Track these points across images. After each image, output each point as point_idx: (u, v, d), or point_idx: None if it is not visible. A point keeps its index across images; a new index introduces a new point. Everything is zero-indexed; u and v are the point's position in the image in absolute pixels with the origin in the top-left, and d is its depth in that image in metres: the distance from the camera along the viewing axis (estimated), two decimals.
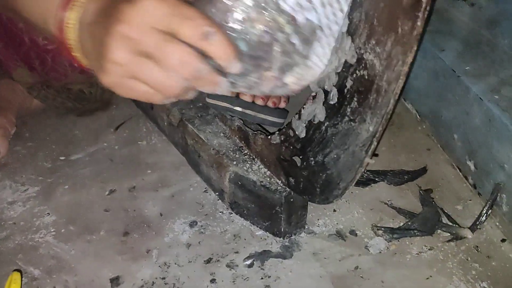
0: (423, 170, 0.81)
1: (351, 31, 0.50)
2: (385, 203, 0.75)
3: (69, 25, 0.47)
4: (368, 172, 0.79)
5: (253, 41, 0.45)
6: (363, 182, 0.78)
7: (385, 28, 0.46)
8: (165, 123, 0.82)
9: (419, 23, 0.43)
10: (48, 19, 0.49)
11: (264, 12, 0.44)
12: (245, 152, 0.70)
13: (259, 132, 0.68)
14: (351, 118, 0.53)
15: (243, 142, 0.71)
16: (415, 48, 0.45)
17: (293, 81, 0.48)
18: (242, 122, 0.73)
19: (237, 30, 0.44)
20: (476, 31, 0.85)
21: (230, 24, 0.44)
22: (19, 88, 0.87)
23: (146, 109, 0.90)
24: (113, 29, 0.41)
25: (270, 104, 0.79)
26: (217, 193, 0.74)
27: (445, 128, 0.82)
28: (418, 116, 0.92)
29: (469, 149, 0.76)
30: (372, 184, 0.78)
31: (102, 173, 0.81)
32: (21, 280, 0.63)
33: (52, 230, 0.71)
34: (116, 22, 0.41)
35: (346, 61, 0.51)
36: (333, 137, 0.56)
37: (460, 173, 0.79)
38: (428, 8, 0.42)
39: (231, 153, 0.70)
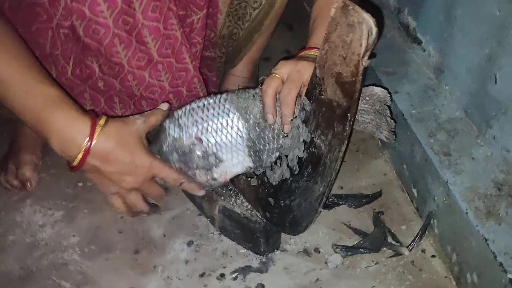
0: (379, 194, 1.01)
1: (304, 120, 0.71)
2: (345, 224, 0.96)
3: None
4: (333, 197, 1.00)
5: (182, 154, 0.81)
6: (329, 206, 0.99)
7: (326, 125, 0.67)
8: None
9: (347, 128, 0.64)
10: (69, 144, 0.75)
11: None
12: (231, 188, 0.91)
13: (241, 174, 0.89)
14: (308, 179, 0.75)
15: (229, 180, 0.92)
16: (346, 142, 0.66)
17: (219, 175, 0.83)
18: None
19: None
20: (426, 75, 1.05)
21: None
22: None
23: None
24: (122, 178, 0.79)
25: None
26: (208, 219, 0.95)
27: (398, 158, 1.03)
28: (379, 144, 1.12)
29: (413, 179, 0.97)
30: (336, 207, 0.99)
31: None
32: None
33: (77, 250, 0.93)
34: (124, 175, 0.79)
35: (304, 140, 0.72)
36: (296, 189, 0.78)
37: (408, 197, 1.00)
38: (352, 119, 0.63)
39: (219, 189, 0.90)
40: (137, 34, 0.81)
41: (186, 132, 0.80)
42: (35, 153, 1.05)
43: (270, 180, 0.82)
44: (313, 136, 0.70)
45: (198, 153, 0.80)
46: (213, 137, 0.78)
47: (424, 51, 1.09)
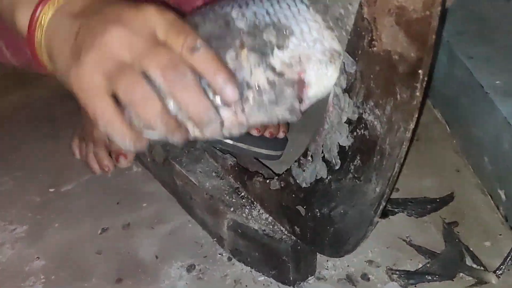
0: (450, 198, 0.83)
1: (347, 88, 0.52)
2: (404, 240, 0.78)
3: (43, 21, 0.49)
4: (386, 205, 0.81)
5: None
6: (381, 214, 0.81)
7: (382, 92, 0.48)
8: (148, 160, 0.86)
9: (417, 93, 0.45)
10: (17, 13, 0.51)
11: None
12: (242, 194, 0.74)
13: (256, 173, 0.71)
14: (355, 176, 0.56)
15: (239, 183, 0.75)
16: (416, 115, 0.47)
17: (287, 63, 0.51)
18: (235, 160, 0.76)
19: None
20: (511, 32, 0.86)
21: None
22: None
23: None
24: (108, 28, 0.44)
25: (267, 134, 0.81)
26: (215, 239, 0.77)
27: (476, 147, 0.85)
28: (448, 128, 0.94)
29: (499, 176, 0.78)
30: (390, 216, 0.81)
31: (95, 207, 0.86)
32: None
33: (41, 277, 0.76)
34: (114, 21, 0.45)
35: (348, 119, 0.54)
36: (338, 192, 0.59)
37: (492, 201, 0.81)
38: (425, 78, 0.44)
39: (227, 197, 0.74)
40: None
41: (212, 13, 0.53)
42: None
43: (298, 181, 0.64)
44: (361, 111, 0.52)
45: (240, 24, 0.52)
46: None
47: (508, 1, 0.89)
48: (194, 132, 0.49)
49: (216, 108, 0.48)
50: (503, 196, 0.77)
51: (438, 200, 0.82)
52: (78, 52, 0.45)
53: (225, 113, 0.49)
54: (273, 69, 0.50)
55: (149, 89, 0.45)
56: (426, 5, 0.42)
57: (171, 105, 0.46)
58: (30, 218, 0.86)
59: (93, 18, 0.46)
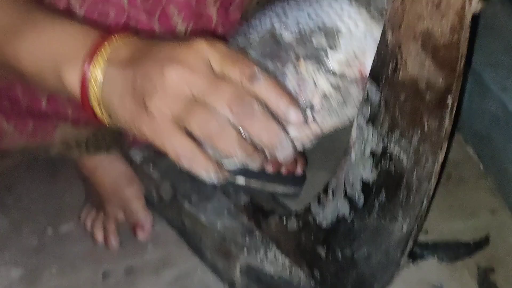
0: (485, 241, 0.84)
1: (371, 118, 0.54)
2: (435, 287, 0.78)
3: (95, 76, 0.52)
4: (415, 246, 0.82)
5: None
6: (409, 257, 0.81)
7: (408, 122, 0.50)
8: (155, 198, 0.87)
9: (447, 123, 0.47)
10: (62, 71, 0.53)
11: None
12: (257, 235, 0.75)
13: (272, 212, 0.73)
14: (380, 213, 0.58)
15: (253, 222, 0.76)
16: (445, 147, 0.49)
17: (345, 64, 0.55)
18: (249, 197, 0.77)
19: None
20: None
21: None
22: None
23: None
24: (165, 70, 0.48)
25: (283, 171, 0.83)
26: (226, 285, 0.78)
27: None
28: (481, 167, 0.95)
29: None
30: (419, 261, 0.81)
31: (95, 249, 0.88)
32: None
33: None
34: (168, 61, 0.48)
35: (371, 152, 0.55)
36: (362, 232, 0.61)
37: None
38: (455, 106, 0.46)
39: (240, 238, 0.75)
40: (161, 14, 0.72)
41: (253, 30, 0.58)
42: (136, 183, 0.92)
43: (318, 220, 0.66)
44: (386, 142, 0.54)
45: (288, 37, 0.56)
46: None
47: None
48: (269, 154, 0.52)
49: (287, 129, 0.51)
50: None
51: (471, 244, 0.83)
52: (141, 100, 0.49)
53: (298, 131, 0.53)
54: (333, 72, 0.54)
55: (222, 120, 0.48)
56: (453, 29, 0.44)
57: (243, 132, 0.50)
58: (25, 261, 0.87)
59: (146, 64, 0.49)
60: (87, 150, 0.86)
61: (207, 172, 0.50)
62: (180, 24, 0.73)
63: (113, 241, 0.89)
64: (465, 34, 0.43)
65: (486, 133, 0.92)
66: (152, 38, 0.54)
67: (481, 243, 0.83)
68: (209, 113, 0.48)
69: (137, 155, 0.90)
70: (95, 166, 0.91)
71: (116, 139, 0.88)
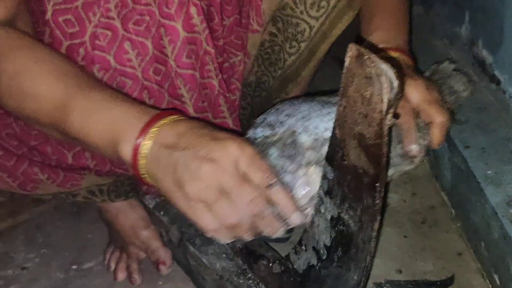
0: (450, 281, 0.96)
1: (328, 191, 0.69)
2: None
3: (144, 152, 0.68)
4: (388, 285, 0.96)
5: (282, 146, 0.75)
6: None
7: (354, 197, 0.65)
8: (165, 240, 1.02)
9: (377, 201, 0.62)
10: (119, 144, 0.68)
11: None
12: (249, 276, 0.89)
13: (261, 256, 0.87)
14: (339, 264, 0.72)
15: (246, 264, 0.90)
16: (378, 218, 0.63)
17: None
18: (244, 242, 0.91)
19: None
20: (506, 125, 1.01)
21: None
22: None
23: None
24: (202, 165, 0.64)
25: None
26: None
27: (474, 232, 0.98)
28: (453, 212, 1.08)
29: (493, 261, 0.92)
30: None
31: (114, 285, 1.03)
32: None
33: None
34: (206, 160, 0.64)
35: (331, 217, 0.71)
36: (327, 278, 0.75)
37: (490, 286, 0.94)
38: (382, 190, 0.61)
39: (235, 278, 0.88)
40: (170, 86, 0.84)
41: (280, 125, 0.76)
42: (153, 225, 1.07)
43: (295, 266, 0.80)
44: (339, 210, 0.68)
45: (306, 141, 0.74)
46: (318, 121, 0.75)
47: (504, 93, 1.05)
48: None
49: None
50: (497, 281, 0.91)
51: (438, 283, 0.95)
52: (180, 183, 0.65)
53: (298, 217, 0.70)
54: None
55: (240, 215, 0.66)
56: (377, 135, 0.59)
57: None
58: None
59: (187, 155, 0.65)
60: (108, 197, 1.02)
61: (222, 240, 0.69)
62: (185, 93, 0.86)
63: (138, 279, 1.03)
64: (384, 139, 0.59)
65: (455, 184, 1.05)
66: (191, 120, 0.70)
67: (446, 283, 0.94)
68: (231, 206, 0.65)
69: (150, 202, 1.04)
70: (116, 212, 1.06)
71: (133, 187, 1.05)
